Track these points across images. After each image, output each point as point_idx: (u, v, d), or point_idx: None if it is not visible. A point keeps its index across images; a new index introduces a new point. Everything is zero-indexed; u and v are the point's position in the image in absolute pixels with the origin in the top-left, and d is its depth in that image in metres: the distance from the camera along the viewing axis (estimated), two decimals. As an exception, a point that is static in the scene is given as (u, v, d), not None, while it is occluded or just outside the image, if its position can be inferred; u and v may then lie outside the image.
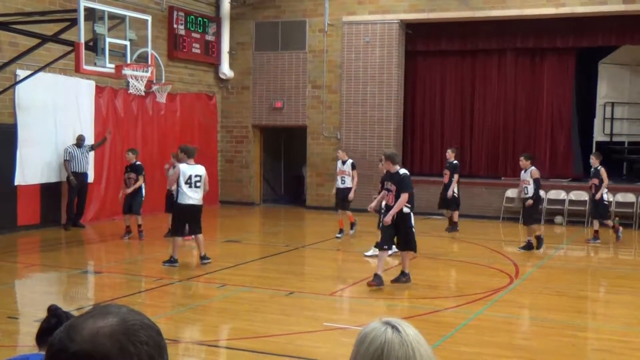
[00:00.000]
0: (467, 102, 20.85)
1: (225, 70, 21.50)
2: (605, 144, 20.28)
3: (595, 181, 15.34)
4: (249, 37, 21.56)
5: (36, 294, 11.03)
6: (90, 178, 16.84)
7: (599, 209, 15.48)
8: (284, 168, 23.46)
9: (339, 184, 15.59)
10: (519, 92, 20.32)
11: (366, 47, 20.20)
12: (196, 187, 12.09)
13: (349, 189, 15.32)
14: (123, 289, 10.97)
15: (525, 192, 14.20)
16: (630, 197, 18.22)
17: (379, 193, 11.33)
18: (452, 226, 16.58)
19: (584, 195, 18.13)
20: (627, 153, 20.97)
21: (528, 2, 18.58)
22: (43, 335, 3.63)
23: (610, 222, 15.64)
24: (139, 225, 14.85)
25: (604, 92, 20.23)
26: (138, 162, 15.11)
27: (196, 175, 12.11)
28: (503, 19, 19.10)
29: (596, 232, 15.52)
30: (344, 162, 15.60)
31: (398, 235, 10.87)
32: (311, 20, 20.80)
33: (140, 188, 14.93)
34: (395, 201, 10.50)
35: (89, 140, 16.74)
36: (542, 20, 18.86)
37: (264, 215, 20.81)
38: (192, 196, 12.11)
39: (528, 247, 14.17)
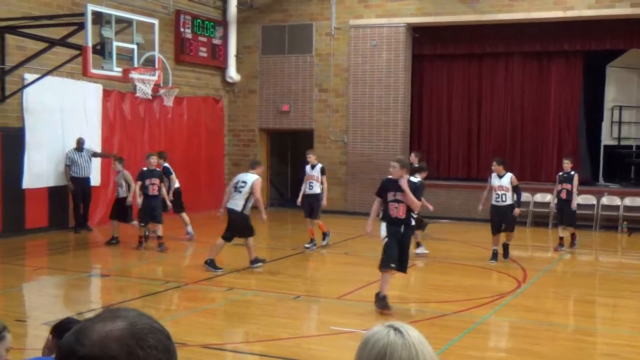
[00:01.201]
0: (474, 105, 20.83)
1: (232, 73, 21.53)
2: (613, 147, 20.21)
3: (568, 186, 14.65)
4: (255, 40, 21.58)
5: (44, 297, 11.06)
6: (96, 181, 16.80)
7: (571, 216, 14.79)
8: (290, 171, 23.46)
9: (307, 190, 14.66)
10: (526, 95, 20.28)
11: (373, 51, 20.20)
12: (237, 191, 12.17)
13: (317, 196, 14.56)
14: (130, 292, 10.98)
15: (503, 199, 13.25)
16: (638, 201, 18.16)
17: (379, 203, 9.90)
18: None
19: (591, 200, 18.09)
20: (635, 157, 20.88)
21: (535, 5, 18.55)
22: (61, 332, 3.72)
23: (572, 229, 14.96)
24: (160, 237, 14.13)
25: (611, 95, 20.16)
26: (158, 168, 14.49)
27: (242, 181, 12.23)
28: (510, 23, 19.08)
29: (562, 239, 14.96)
30: (313, 167, 14.67)
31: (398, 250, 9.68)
32: (318, 24, 20.82)
33: (159, 195, 14.35)
34: (407, 213, 9.54)
35: (93, 143, 16.73)
36: (549, 23, 18.83)
37: (270, 218, 20.66)
38: (231, 200, 12.24)
39: (495, 256, 13.46)
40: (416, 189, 9.61)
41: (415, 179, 10.06)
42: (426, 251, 14.03)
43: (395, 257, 9.54)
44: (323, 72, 20.87)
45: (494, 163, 13.60)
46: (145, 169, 14.30)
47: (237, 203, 12.16)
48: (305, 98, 21.14)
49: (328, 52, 20.75)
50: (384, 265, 9.59)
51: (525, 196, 16.48)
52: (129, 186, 14.62)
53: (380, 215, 9.88)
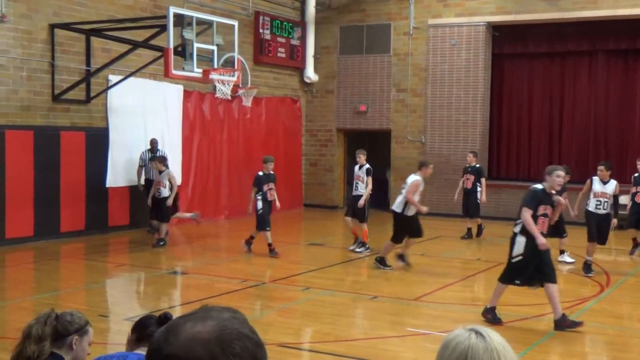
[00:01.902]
0: (556, 105, 20.36)
1: (310, 74, 21.63)
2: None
3: None
4: (333, 40, 21.62)
5: (125, 293, 11.33)
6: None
7: None
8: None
9: (353, 191, 14.39)
10: (610, 95, 19.70)
11: (452, 50, 19.98)
12: (400, 193, 12.46)
13: (361, 197, 14.11)
14: (208, 290, 11.11)
15: (605, 207, 12.32)
16: None
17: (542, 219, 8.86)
18: (479, 231, 16.23)
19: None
20: None
21: (620, 2, 18.00)
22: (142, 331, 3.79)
23: None
24: (270, 243, 13.44)
25: (701, 94, 19.39)
26: (273, 172, 13.70)
27: (405, 182, 12.51)
28: (594, 20, 18.57)
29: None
30: (360, 167, 14.30)
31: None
32: (396, 24, 20.72)
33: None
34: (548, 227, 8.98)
35: (174, 143, 16.98)
36: (635, 20, 18.24)
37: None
38: (395, 202, 12.53)
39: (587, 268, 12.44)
40: (560, 194, 9.07)
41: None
42: (571, 260, 13.15)
43: (529, 273, 8.82)
44: (401, 72, 20.76)
45: (602, 167, 12.62)
46: (261, 173, 13.51)
47: (398, 205, 12.36)
48: (383, 98, 21.07)
49: (406, 51, 20.62)
50: (507, 280, 9.00)
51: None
52: (171, 186, 14.57)
53: (519, 230, 8.90)
